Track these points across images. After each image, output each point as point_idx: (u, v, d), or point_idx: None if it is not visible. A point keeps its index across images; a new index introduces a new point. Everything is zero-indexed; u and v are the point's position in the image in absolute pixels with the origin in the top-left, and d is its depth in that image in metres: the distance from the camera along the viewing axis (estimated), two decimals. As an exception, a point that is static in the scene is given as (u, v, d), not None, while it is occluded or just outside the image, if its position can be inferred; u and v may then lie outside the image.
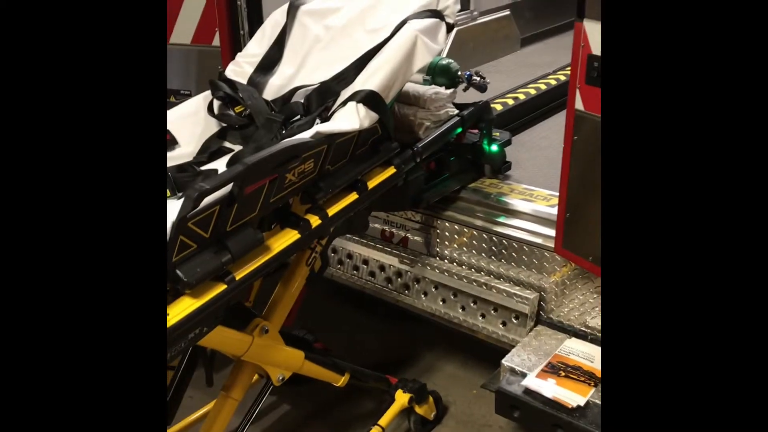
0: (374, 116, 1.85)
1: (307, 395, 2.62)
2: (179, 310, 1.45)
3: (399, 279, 2.56)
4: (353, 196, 1.90)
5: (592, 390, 1.91)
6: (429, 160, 2.37)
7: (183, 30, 2.79)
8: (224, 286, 1.53)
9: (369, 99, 1.83)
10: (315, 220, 1.77)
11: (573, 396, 1.90)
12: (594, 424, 1.81)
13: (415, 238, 2.59)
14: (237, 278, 1.55)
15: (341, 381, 2.23)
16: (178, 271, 1.43)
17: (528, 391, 1.95)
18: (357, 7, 2.18)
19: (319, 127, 1.73)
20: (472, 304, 2.39)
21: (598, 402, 1.87)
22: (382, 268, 2.60)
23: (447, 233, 2.50)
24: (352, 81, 1.93)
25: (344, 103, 1.84)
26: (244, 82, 2.15)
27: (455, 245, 2.50)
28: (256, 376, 2.03)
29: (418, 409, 2.43)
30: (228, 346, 1.81)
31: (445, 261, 2.51)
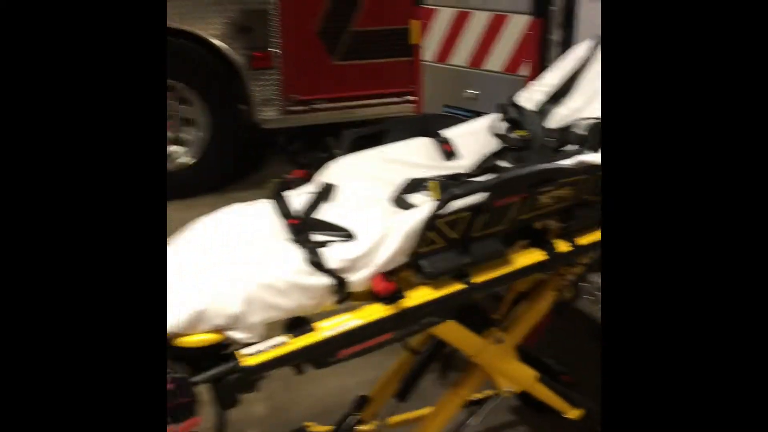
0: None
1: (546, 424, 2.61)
2: (417, 296, 1.62)
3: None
4: (609, 233, 1.89)
5: None
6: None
7: (496, 59, 3.05)
8: (462, 286, 1.67)
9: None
10: (563, 246, 1.81)
11: None
12: None
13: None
14: (473, 281, 1.68)
15: (572, 414, 2.21)
16: (420, 262, 1.61)
17: None
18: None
19: (583, 157, 1.77)
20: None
21: None
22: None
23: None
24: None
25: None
26: (534, 108, 2.26)
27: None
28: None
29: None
30: (462, 344, 1.94)
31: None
